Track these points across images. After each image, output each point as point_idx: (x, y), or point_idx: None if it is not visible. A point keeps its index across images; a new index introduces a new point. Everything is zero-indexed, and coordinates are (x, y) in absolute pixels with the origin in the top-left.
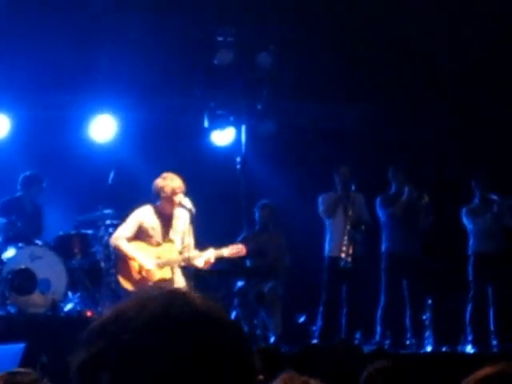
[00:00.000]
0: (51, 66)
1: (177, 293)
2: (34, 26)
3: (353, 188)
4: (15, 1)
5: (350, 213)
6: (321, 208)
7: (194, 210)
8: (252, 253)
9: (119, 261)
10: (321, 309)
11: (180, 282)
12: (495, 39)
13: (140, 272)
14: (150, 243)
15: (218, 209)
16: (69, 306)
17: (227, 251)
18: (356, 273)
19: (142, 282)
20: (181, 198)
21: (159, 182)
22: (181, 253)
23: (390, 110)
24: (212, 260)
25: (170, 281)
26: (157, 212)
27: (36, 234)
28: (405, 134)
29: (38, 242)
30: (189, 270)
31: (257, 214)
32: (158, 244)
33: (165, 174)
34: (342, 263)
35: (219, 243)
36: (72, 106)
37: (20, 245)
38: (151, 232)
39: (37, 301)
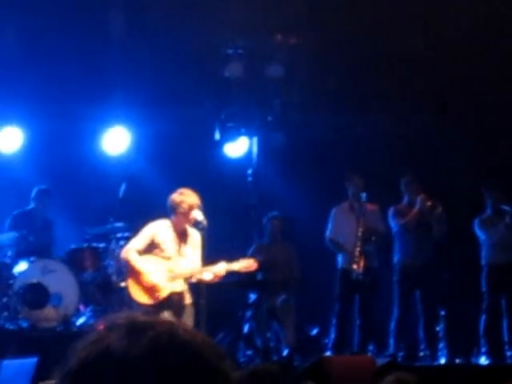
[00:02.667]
0: (64, 78)
1: (162, 325)
2: (48, 39)
3: (364, 198)
4: (30, 13)
5: (362, 224)
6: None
7: (205, 222)
8: (263, 265)
9: (130, 273)
10: (334, 321)
11: (188, 297)
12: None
13: (149, 288)
14: (162, 257)
15: (229, 220)
16: (81, 320)
17: (238, 265)
18: (368, 284)
19: (153, 294)
20: (195, 214)
21: (176, 197)
22: (192, 268)
23: (401, 122)
24: (222, 273)
25: (182, 294)
26: (171, 226)
27: (47, 247)
28: (417, 144)
29: (50, 255)
30: (199, 286)
31: (266, 226)
32: (170, 258)
33: (182, 190)
34: (354, 275)
35: (230, 255)
36: (85, 118)
37: (32, 259)
38: (163, 246)
39: (49, 315)
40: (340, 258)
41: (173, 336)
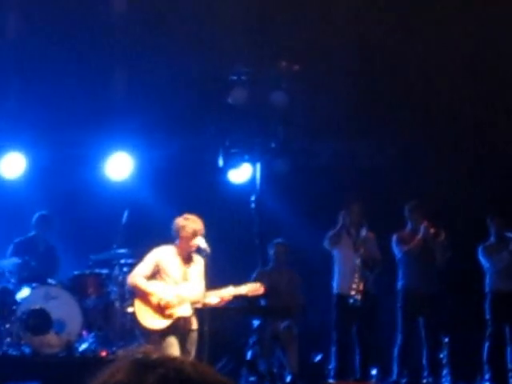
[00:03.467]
0: (67, 104)
1: (171, 362)
2: (50, 65)
3: (366, 226)
4: (31, 39)
5: (362, 251)
6: (325, 241)
7: (208, 249)
8: (266, 291)
9: (138, 298)
10: (333, 348)
11: (194, 322)
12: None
13: (160, 308)
14: (167, 282)
15: (232, 247)
16: (83, 346)
17: (245, 289)
18: (366, 310)
19: (162, 318)
20: (198, 241)
21: (181, 221)
22: (198, 291)
23: (404, 148)
24: (229, 297)
25: (188, 319)
26: (175, 252)
27: (50, 273)
28: (420, 171)
29: (53, 281)
30: (203, 312)
31: (270, 252)
32: (176, 283)
33: (187, 215)
34: (352, 301)
35: (233, 281)
36: (87, 144)
37: (34, 285)
38: (169, 271)
39: (51, 341)
40: (335, 284)
41: (181, 373)
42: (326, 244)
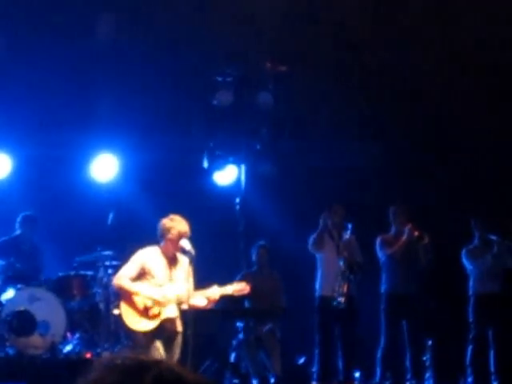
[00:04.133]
0: (53, 105)
1: (166, 366)
2: (35, 66)
3: (349, 228)
4: (16, 40)
5: (346, 253)
6: (310, 246)
7: (193, 252)
8: (250, 293)
9: (124, 300)
10: (316, 351)
11: (179, 324)
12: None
13: (146, 311)
14: (152, 284)
15: (217, 249)
16: (68, 348)
17: (232, 288)
18: (349, 313)
19: (148, 320)
20: (183, 242)
21: (167, 222)
22: (184, 292)
23: (390, 150)
24: (216, 297)
25: (174, 320)
26: (160, 253)
27: (35, 274)
28: (405, 173)
29: (37, 282)
30: (186, 314)
31: (254, 255)
32: (161, 284)
33: (172, 216)
34: (335, 303)
35: (218, 283)
36: (74, 145)
37: (19, 286)
38: (154, 273)
39: (36, 343)
40: (318, 286)
41: (174, 373)
42: (311, 249)
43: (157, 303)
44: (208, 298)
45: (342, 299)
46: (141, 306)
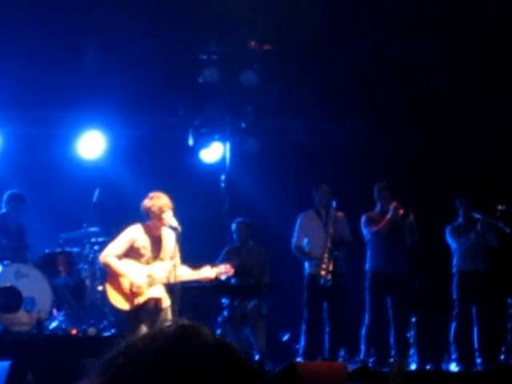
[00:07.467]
0: (39, 83)
1: (188, 327)
2: (21, 44)
3: (334, 206)
4: (3, 20)
5: (331, 230)
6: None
7: (179, 228)
8: (236, 270)
9: (109, 278)
10: (303, 327)
11: (165, 300)
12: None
13: (130, 289)
14: (140, 261)
15: (202, 225)
16: (54, 324)
17: (216, 271)
18: (336, 290)
19: (132, 299)
20: (168, 216)
21: (146, 202)
22: (170, 271)
23: (374, 129)
24: (212, 277)
25: (160, 299)
26: (147, 231)
27: (21, 251)
28: (390, 152)
29: (23, 259)
30: (172, 290)
31: (234, 233)
32: (149, 262)
33: (151, 194)
34: (322, 281)
35: (203, 259)
36: (60, 122)
37: (5, 262)
38: (142, 251)
39: (22, 319)
40: (307, 264)
41: (214, 337)
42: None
43: (141, 287)
44: (203, 278)
45: (328, 277)
46: (125, 285)
